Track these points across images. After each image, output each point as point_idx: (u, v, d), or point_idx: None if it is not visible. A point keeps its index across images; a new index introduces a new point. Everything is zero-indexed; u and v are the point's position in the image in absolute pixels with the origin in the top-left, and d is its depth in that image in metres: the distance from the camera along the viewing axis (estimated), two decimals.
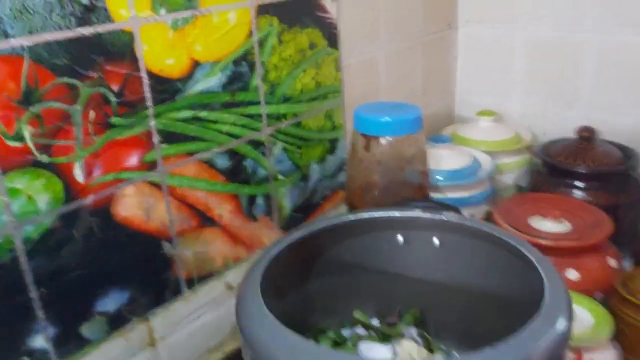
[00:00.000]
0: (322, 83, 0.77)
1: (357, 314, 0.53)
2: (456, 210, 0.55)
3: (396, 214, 0.52)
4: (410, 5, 0.91)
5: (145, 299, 0.61)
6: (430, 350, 0.50)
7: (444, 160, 0.85)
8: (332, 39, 0.77)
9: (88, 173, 0.53)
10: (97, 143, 0.53)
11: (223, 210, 0.68)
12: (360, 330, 0.53)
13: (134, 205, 0.58)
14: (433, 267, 0.52)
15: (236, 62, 0.65)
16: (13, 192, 0.48)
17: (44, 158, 0.49)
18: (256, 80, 0.67)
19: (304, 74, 0.74)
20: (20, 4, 0.45)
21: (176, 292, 0.64)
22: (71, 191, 0.52)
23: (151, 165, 0.58)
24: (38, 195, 0.49)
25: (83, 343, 0.56)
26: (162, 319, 0.63)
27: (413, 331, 0.51)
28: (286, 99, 0.72)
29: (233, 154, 0.67)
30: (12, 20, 0.45)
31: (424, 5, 0.95)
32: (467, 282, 0.50)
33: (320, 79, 0.77)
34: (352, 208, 0.75)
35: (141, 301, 0.61)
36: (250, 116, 0.68)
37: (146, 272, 0.60)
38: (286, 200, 0.76)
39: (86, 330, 0.56)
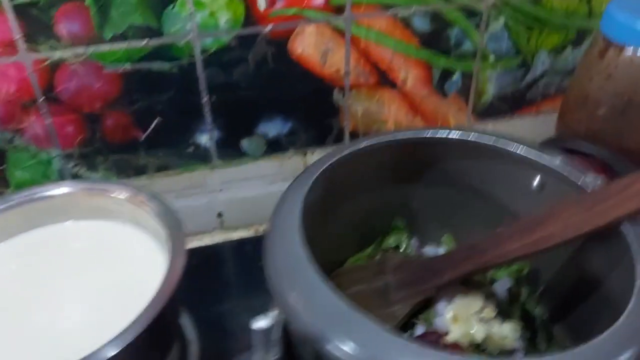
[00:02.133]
0: None
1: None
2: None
3: (531, 155, 0.42)
4: None
5: (306, 135, 0.64)
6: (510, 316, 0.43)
7: None
8: None
9: (271, 2, 0.54)
10: None
11: (409, 76, 0.64)
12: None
13: (311, 45, 0.58)
14: None
15: None
16: (198, 4, 0.52)
17: None
18: None
19: None
20: None
21: (338, 140, 0.66)
22: (251, 16, 0.55)
23: (338, 9, 0.57)
24: (220, 13, 0.53)
25: (242, 154, 0.63)
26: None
27: (506, 283, 0.45)
28: None
29: (437, 17, 0.60)
30: None
31: None
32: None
33: None
34: (561, 118, 0.63)
35: (302, 136, 0.64)
36: None
37: (312, 112, 0.63)
38: (491, 85, 0.67)
39: (246, 144, 0.63)
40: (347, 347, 0.29)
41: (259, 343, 0.27)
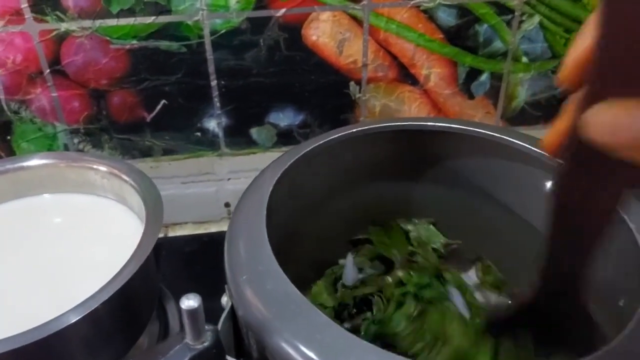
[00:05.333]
0: None
1: None
2: None
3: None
4: None
5: (320, 129, 0.62)
6: None
7: None
8: None
9: None
10: None
11: (432, 73, 0.60)
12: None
13: (327, 33, 0.56)
14: None
15: None
16: None
17: None
18: None
19: None
20: None
21: None
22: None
23: None
24: None
25: (251, 143, 0.61)
26: None
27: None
28: None
29: (464, 11, 0.57)
30: None
31: None
32: None
33: None
34: None
35: (315, 129, 0.61)
36: None
37: (327, 104, 0.60)
38: (523, 89, 0.63)
39: (255, 133, 0.61)
40: (293, 339, 0.26)
41: (188, 324, 0.24)
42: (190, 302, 0.24)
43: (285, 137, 0.61)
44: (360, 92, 0.60)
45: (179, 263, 0.57)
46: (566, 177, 0.23)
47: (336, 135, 0.40)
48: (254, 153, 0.62)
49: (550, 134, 0.23)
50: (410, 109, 0.62)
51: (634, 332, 0.25)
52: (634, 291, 0.29)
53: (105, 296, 0.35)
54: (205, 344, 0.25)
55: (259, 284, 0.28)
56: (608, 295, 0.33)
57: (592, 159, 0.20)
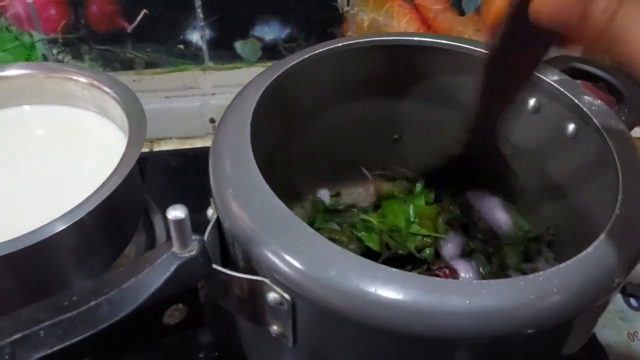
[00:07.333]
0: None
1: None
2: None
3: None
4: None
5: (306, 44, 0.60)
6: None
7: None
8: None
9: None
10: None
11: None
12: None
13: None
14: None
15: None
16: None
17: None
18: None
19: None
20: None
21: None
22: None
23: None
24: None
25: (235, 57, 0.60)
26: None
27: None
28: None
29: None
30: None
31: None
32: None
33: None
34: None
35: (301, 44, 0.60)
36: None
37: (313, 18, 0.58)
38: None
39: (240, 47, 0.59)
40: (279, 250, 0.26)
41: (175, 234, 0.25)
42: (176, 212, 0.24)
43: (270, 52, 0.60)
44: (348, 5, 0.58)
45: (164, 177, 0.57)
46: (501, 46, 0.28)
47: (322, 50, 0.39)
48: (238, 68, 0.60)
49: (493, 13, 0.27)
50: (400, 24, 0.60)
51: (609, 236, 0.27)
52: None
53: (91, 206, 0.36)
54: (192, 253, 0.25)
55: (244, 198, 0.29)
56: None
57: (524, 33, 0.25)
